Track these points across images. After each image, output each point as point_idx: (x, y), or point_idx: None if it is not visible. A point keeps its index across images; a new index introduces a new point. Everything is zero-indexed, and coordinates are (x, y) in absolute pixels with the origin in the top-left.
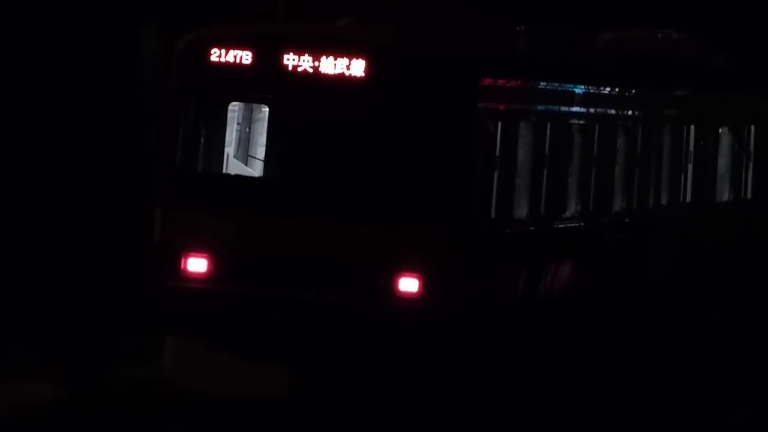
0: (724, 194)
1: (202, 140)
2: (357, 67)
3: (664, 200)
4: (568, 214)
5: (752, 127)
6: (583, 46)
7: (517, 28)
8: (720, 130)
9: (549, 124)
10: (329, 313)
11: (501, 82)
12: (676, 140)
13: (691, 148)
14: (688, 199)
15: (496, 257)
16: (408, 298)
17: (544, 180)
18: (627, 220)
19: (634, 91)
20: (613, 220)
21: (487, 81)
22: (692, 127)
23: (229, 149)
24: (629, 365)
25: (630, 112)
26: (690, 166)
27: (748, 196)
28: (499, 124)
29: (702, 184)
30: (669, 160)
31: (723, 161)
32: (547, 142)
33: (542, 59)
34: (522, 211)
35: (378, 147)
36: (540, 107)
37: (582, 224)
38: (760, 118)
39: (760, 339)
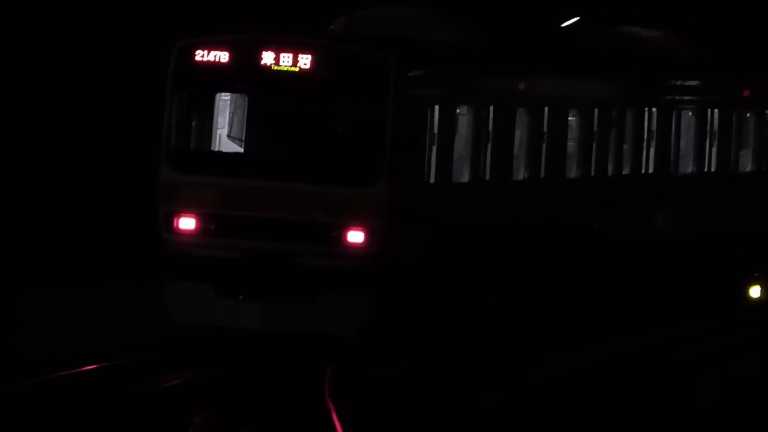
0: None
1: (192, 123)
2: (310, 63)
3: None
4: (492, 181)
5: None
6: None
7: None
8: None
9: (480, 107)
10: (292, 261)
11: (428, 73)
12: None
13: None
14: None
15: (429, 214)
16: (355, 247)
17: (472, 153)
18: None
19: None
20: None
21: (414, 72)
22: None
23: (222, 131)
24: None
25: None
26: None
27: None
28: (434, 105)
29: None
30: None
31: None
32: (475, 121)
33: (475, 52)
34: (453, 178)
35: (335, 129)
36: (467, 92)
37: (508, 191)
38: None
39: None
